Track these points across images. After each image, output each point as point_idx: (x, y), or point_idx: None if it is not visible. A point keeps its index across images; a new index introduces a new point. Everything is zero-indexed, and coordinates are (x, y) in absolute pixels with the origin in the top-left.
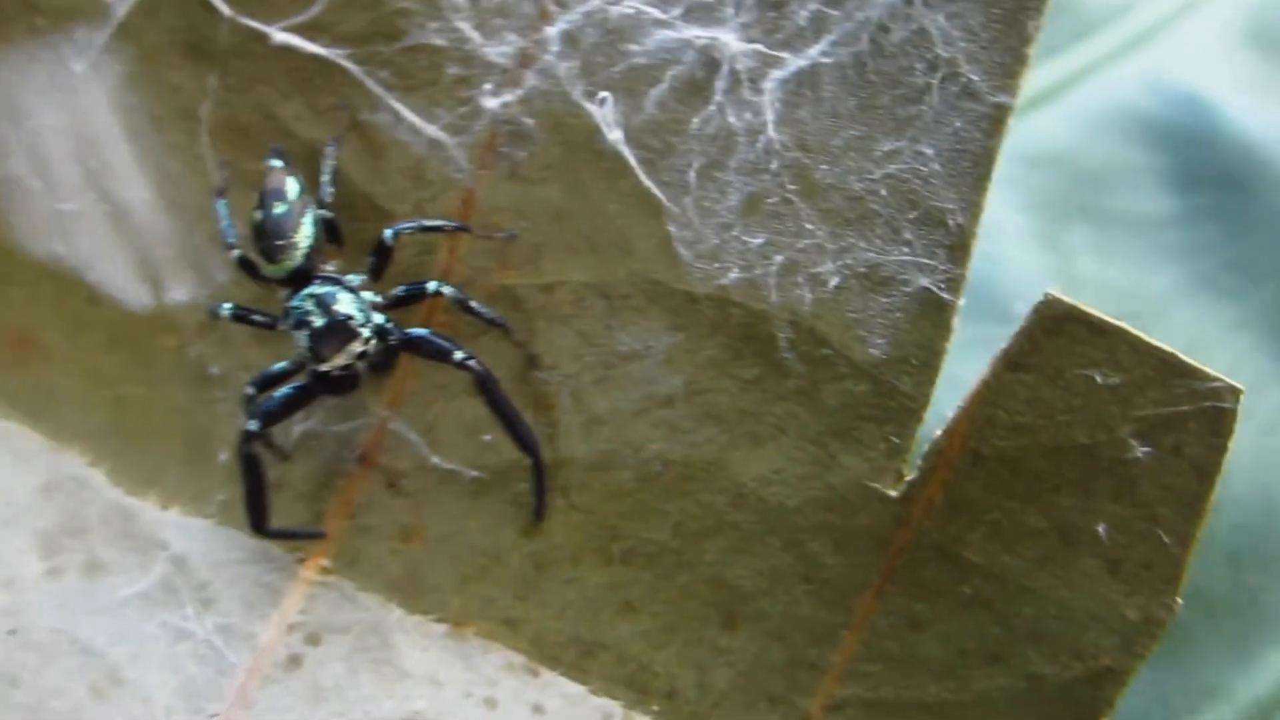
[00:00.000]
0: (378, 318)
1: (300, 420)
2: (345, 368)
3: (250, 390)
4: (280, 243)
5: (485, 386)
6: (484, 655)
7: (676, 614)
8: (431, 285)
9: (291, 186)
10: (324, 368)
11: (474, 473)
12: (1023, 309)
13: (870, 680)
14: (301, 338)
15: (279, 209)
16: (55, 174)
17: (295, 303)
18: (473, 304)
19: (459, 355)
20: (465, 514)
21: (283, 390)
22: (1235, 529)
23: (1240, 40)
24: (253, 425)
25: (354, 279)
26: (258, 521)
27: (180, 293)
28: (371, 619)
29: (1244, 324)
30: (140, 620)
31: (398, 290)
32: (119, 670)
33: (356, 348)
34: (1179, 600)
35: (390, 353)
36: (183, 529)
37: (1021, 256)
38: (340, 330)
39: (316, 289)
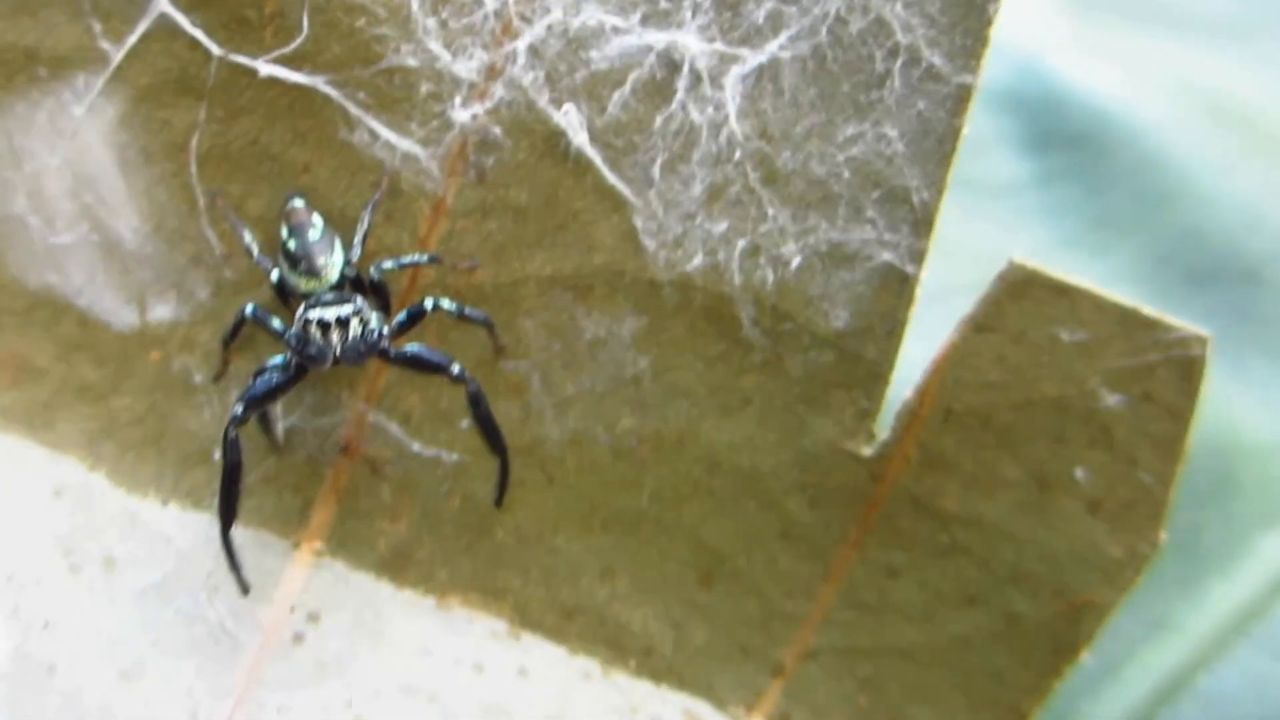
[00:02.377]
0: (374, 322)
1: (284, 417)
2: (323, 326)
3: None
4: (322, 260)
5: (477, 399)
6: (470, 624)
7: (655, 575)
8: (429, 303)
9: (317, 218)
10: (308, 315)
11: (454, 456)
12: None
13: (845, 628)
14: (301, 307)
15: (314, 234)
16: (52, 210)
17: (318, 293)
18: (467, 311)
19: (456, 369)
20: (448, 494)
21: (267, 375)
22: None
23: (1060, 5)
24: (237, 410)
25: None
26: (226, 519)
27: (163, 311)
28: (365, 596)
29: (1113, 279)
30: (158, 609)
31: (400, 317)
32: (143, 654)
33: (343, 311)
34: (1163, 535)
35: (365, 344)
36: (184, 523)
37: None
38: (336, 304)
39: (343, 292)
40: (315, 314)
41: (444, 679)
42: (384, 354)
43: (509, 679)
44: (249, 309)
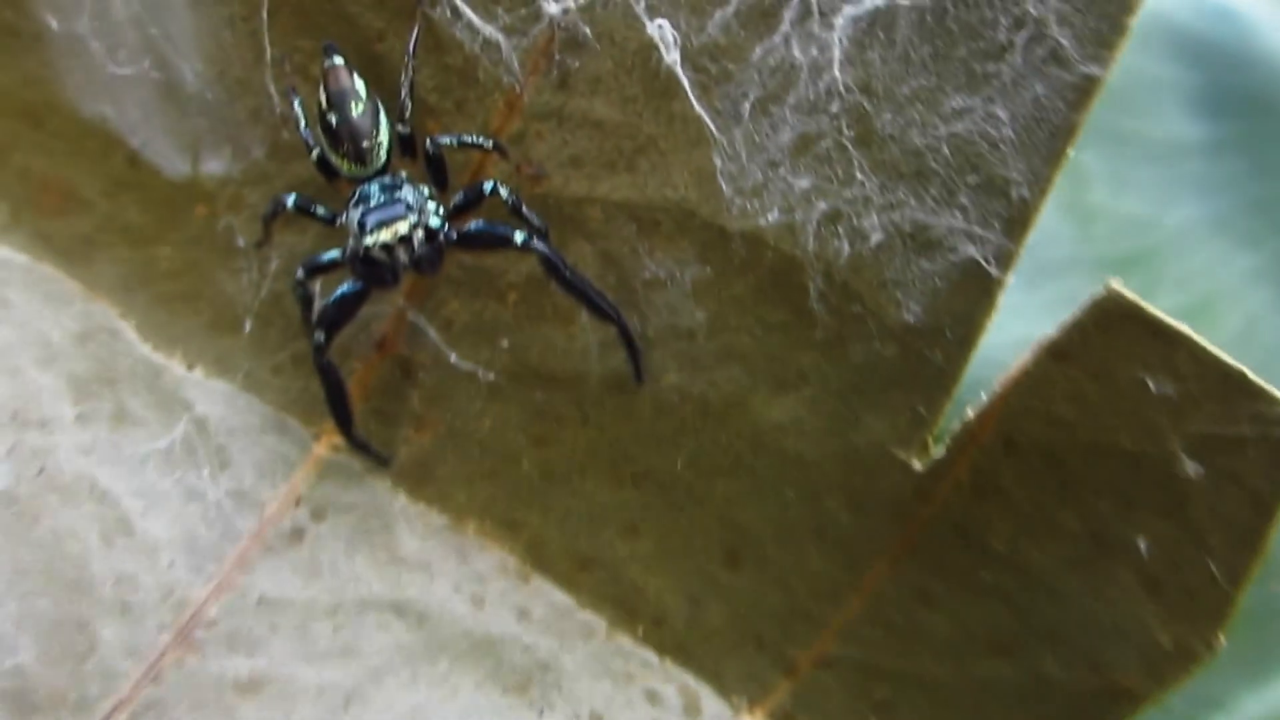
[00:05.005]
0: (434, 218)
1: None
2: (386, 249)
3: (300, 274)
4: (365, 144)
5: (552, 266)
6: (480, 553)
7: (679, 544)
8: (488, 186)
9: (359, 84)
10: (366, 241)
11: (491, 375)
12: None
13: (868, 644)
14: (355, 215)
15: (357, 110)
16: (116, 37)
17: (364, 186)
18: (524, 209)
19: (520, 238)
20: (479, 414)
21: (337, 292)
22: None
23: None
24: (319, 338)
25: (425, 188)
26: (344, 426)
27: (216, 165)
28: (376, 502)
29: (1261, 274)
30: (158, 476)
31: (457, 199)
32: (131, 521)
33: (402, 228)
34: (1222, 639)
35: (436, 253)
36: (206, 390)
37: None
38: (391, 209)
39: (388, 179)
40: (373, 237)
41: (439, 604)
42: (449, 243)
43: (507, 618)
44: (289, 201)
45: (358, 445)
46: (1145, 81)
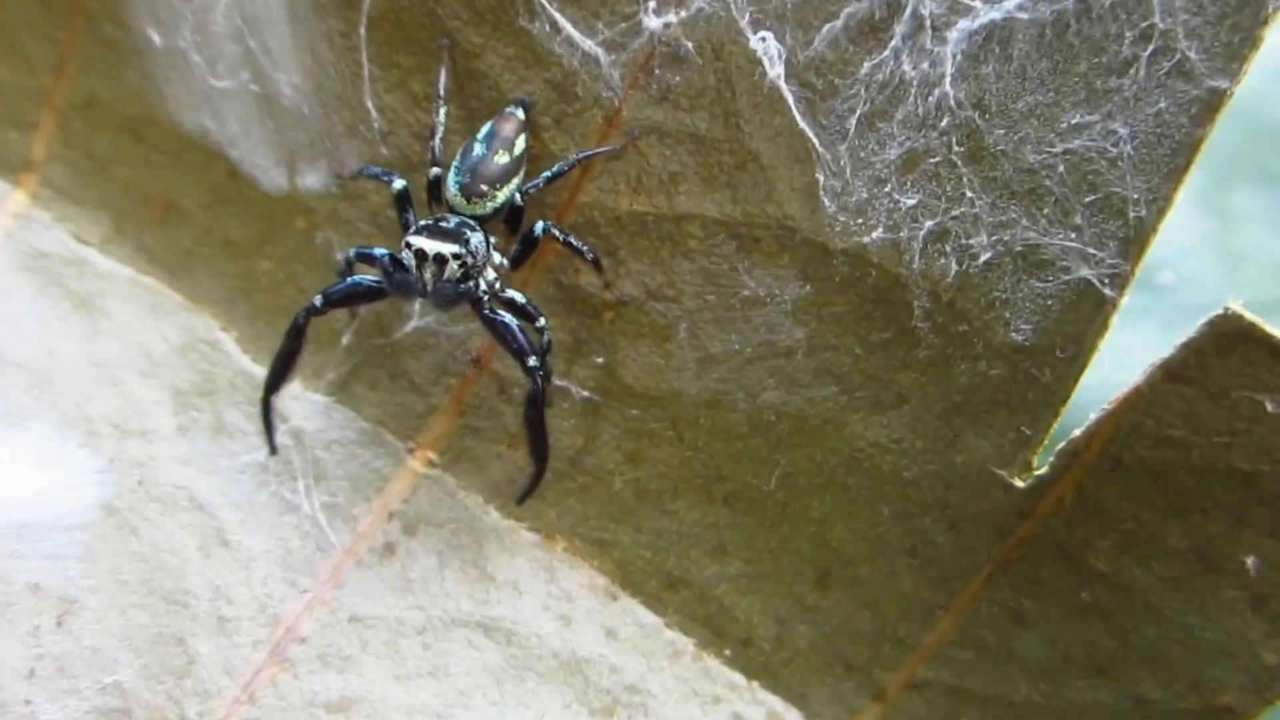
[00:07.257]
0: (483, 280)
1: (419, 316)
2: (420, 256)
3: (350, 254)
4: (484, 188)
5: (533, 401)
6: (569, 571)
7: (769, 564)
8: (539, 227)
9: (520, 144)
10: (408, 237)
11: (584, 393)
12: (1169, 279)
13: (959, 667)
14: (420, 221)
15: (501, 158)
16: (216, 51)
17: (447, 213)
18: (571, 240)
19: (532, 362)
20: (572, 431)
21: (358, 277)
22: None
23: None
24: (317, 301)
25: (498, 256)
26: (270, 388)
27: (313, 179)
28: (467, 519)
29: None
30: (254, 488)
31: (515, 248)
32: (227, 533)
33: (446, 250)
34: None
35: (457, 294)
36: (303, 403)
37: (1176, 219)
38: (449, 238)
39: (473, 221)
40: (420, 241)
41: (527, 623)
42: (476, 305)
43: (595, 638)
44: (398, 184)
45: (265, 414)
46: None
